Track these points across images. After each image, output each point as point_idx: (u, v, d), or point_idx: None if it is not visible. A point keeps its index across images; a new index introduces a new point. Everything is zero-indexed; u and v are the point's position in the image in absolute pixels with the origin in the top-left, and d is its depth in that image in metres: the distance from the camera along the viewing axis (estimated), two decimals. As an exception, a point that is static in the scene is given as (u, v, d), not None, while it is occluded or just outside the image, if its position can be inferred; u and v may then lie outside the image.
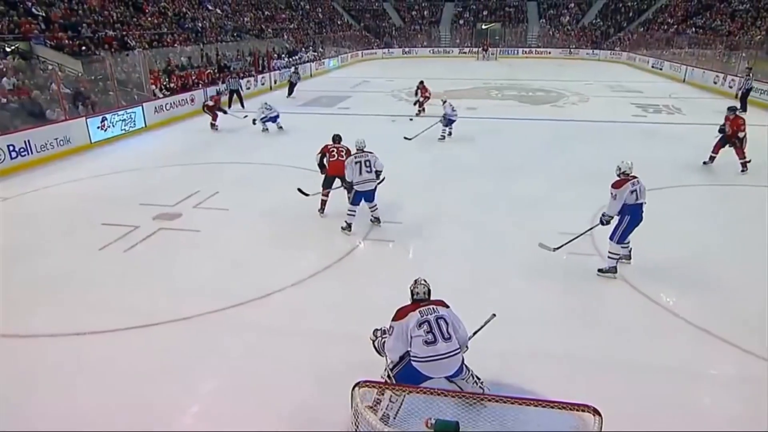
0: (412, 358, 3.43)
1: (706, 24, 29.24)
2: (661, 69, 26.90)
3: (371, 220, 7.25)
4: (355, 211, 7.00)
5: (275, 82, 21.88)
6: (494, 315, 3.64)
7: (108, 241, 6.75)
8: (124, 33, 18.34)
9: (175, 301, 5.36)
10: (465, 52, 38.68)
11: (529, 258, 6.21)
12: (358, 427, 2.87)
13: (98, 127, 11.97)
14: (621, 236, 5.69)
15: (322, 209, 7.61)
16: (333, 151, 7.45)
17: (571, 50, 37.53)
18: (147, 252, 6.60)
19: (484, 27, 41.53)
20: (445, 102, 12.43)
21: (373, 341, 3.84)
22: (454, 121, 12.25)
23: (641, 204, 5.59)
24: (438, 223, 7.42)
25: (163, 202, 8.14)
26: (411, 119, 14.57)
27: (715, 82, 20.29)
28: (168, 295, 5.54)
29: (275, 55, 24.65)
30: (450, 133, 12.35)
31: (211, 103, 13.86)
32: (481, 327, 3.66)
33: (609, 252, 5.78)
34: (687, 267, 6.08)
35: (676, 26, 32.04)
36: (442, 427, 2.77)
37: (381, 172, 6.93)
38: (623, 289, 5.61)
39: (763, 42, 21.15)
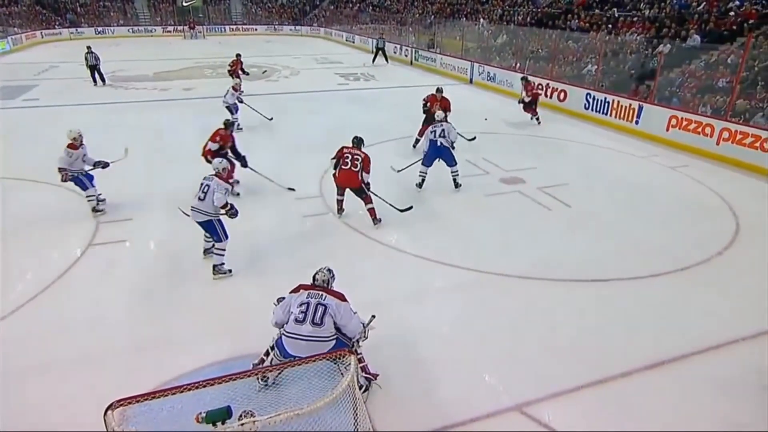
0: (282, 332, 3.46)
1: (380, 3, 33.19)
2: (353, 42, 29.59)
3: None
4: None
5: None
6: (373, 316, 3.66)
7: None
8: None
9: None
10: (170, 31, 35.45)
11: (281, 229, 6.26)
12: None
13: None
14: (425, 160, 7.41)
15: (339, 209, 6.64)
16: (347, 157, 6.15)
17: (276, 27, 38.09)
18: None
19: (185, 4, 38.41)
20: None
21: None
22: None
23: (436, 141, 7.21)
24: (170, 213, 6.74)
25: None
26: None
27: (395, 52, 23.33)
28: None
29: None
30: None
31: None
32: (367, 327, 3.63)
33: (419, 172, 7.47)
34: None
35: (358, 5, 35.45)
36: (213, 416, 2.55)
37: None
38: (361, 240, 6.16)
39: (421, 19, 25.39)
